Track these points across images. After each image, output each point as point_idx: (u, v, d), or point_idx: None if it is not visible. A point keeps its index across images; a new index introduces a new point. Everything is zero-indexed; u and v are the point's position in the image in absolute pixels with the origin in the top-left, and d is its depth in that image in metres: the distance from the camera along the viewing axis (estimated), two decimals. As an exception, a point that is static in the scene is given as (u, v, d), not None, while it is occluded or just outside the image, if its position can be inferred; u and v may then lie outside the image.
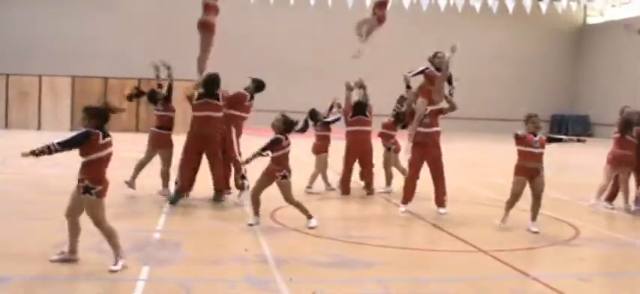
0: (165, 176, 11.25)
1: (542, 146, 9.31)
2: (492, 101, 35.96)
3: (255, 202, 9.15)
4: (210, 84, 10.88)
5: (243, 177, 10.84)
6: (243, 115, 11.27)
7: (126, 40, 34.50)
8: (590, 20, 39.81)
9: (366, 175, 12.38)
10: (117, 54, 33.62)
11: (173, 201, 10.56)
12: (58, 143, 6.51)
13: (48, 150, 6.45)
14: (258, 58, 34.60)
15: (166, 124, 11.31)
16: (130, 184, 11.15)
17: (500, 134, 10.04)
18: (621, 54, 35.71)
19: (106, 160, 6.76)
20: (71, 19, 34.36)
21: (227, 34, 36.12)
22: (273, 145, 8.90)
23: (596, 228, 10.15)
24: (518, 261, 7.67)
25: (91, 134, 6.61)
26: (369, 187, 12.34)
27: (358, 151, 12.22)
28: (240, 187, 10.87)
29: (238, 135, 11.17)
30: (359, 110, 12.27)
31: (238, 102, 11.18)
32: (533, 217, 9.40)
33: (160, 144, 11.27)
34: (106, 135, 6.72)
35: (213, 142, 10.88)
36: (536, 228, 9.30)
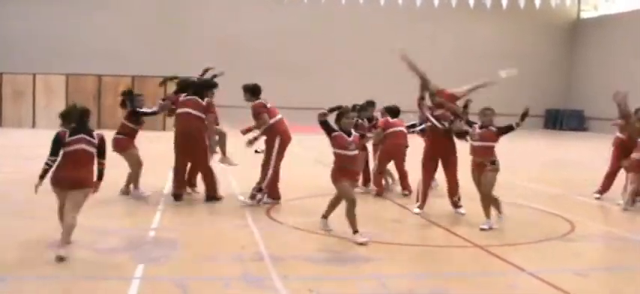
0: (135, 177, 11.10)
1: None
2: (486, 96, 35.81)
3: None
4: (183, 87, 10.98)
5: (260, 189, 10.47)
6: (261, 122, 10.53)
7: (120, 38, 34.43)
8: (584, 14, 39.87)
9: (401, 175, 12.15)
10: (111, 52, 33.55)
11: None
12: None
13: (48, 166, 7.11)
14: (254, 57, 34.60)
15: (129, 133, 11.16)
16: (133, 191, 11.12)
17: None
18: (615, 48, 35.80)
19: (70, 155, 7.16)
20: (65, 17, 34.24)
21: (223, 34, 36.25)
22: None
23: (591, 223, 10.16)
24: (514, 256, 7.67)
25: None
26: (405, 187, 12.03)
27: (394, 152, 12.02)
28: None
29: (281, 144, 10.48)
30: (396, 114, 12.24)
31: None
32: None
33: (129, 147, 11.10)
34: (72, 133, 7.19)
35: (193, 144, 10.66)
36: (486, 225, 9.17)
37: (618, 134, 12.04)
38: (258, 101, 10.60)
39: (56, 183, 7.13)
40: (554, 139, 31.08)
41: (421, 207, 10.22)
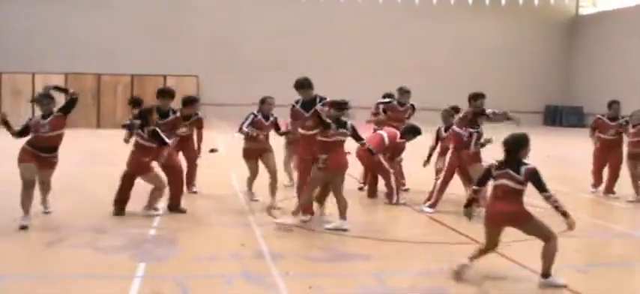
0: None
1: None
2: (486, 93, 35.76)
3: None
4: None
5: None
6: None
7: (119, 37, 34.35)
8: (583, 11, 39.83)
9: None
10: (110, 51, 33.49)
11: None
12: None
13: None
14: (254, 57, 34.53)
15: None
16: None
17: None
18: (614, 44, 35.77)
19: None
20: (64, 16, 34.14)
21: (223, 34, 36.14)
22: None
23: (591, 219, 10.16)
24: (515, 253, 7.66)
25: None
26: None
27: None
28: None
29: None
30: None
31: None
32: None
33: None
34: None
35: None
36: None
37: (600, 135, 12.61)
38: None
39: None
40: (553, 135, 31.05)
41: (433, 206, 10.22)
